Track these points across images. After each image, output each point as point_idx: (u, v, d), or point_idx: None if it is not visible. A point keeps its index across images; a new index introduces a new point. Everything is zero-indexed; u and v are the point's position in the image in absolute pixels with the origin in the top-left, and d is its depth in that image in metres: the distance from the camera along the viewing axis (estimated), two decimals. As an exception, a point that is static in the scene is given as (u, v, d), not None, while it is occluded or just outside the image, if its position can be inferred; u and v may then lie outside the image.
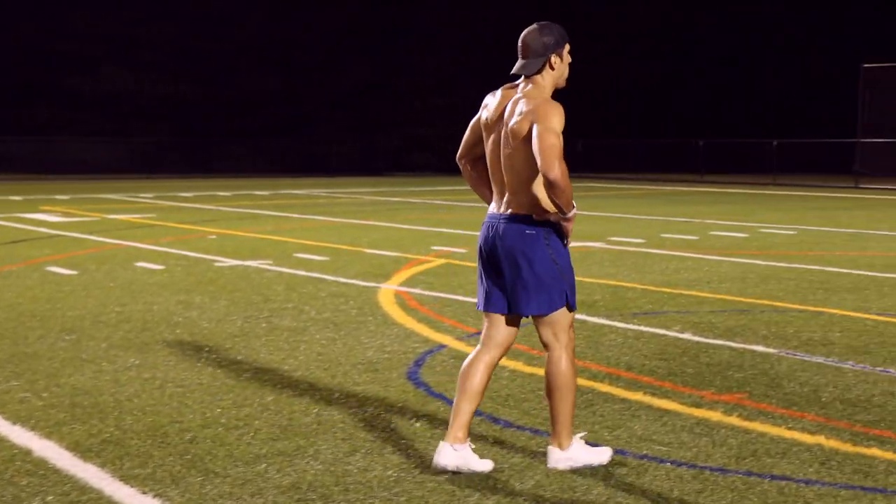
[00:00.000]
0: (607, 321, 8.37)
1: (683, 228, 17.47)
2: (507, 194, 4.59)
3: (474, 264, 12.40)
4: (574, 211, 4.45)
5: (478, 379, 4.64)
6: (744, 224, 18.36)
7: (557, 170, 4.27)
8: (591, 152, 42.69)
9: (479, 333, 7.76)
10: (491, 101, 4.67)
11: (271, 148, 46.93)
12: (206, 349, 7.25)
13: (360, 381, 6.33)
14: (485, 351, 4.69)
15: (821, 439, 5.09)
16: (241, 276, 11.03)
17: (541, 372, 6.46)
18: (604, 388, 6.15)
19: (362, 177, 42.07)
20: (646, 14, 51.40)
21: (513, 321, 4.71)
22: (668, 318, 8.50)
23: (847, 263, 12.32)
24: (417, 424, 5.38)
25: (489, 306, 4.67)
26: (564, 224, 4.52)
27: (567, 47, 4.58)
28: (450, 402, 5.72)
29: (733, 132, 43.43)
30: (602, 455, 4.67)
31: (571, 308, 4.62)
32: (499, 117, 4.58)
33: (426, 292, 9.93)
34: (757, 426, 5.32)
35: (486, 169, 4.76)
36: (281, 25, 49.80)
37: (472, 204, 24.52)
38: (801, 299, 9.51)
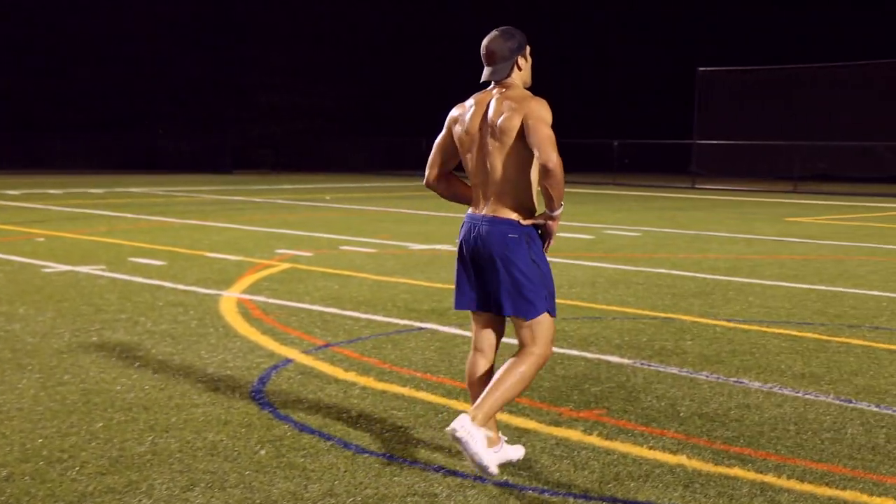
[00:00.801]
0: (459, 331, 8.13)
1: (530, 230, 17.41)
2: (490, 196, 4.61)
3: (320, 268, 12.24)
4: (561, 209, 4.52)
5: (485, 381, 4.72)
6: (588, 225, 18.46)
7: (555, 159, 4.35)
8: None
9: (326, 346, 7.43)
10: (463, 112, 4.70)
11: (107, 143, 45.30)
12: (29, 368, 6.68)
13: (200, 402, 5.90)
14: (480, 355, 4.80)
15: (683, 459, 4.92)
16: (71, 284, 10.37)
17: (394, 388, 6.18)
18: (461, 405, 5.87)
19: (203, 174, 41.01)
20: (484, 13, 51.66)
21: (499, 320, 4.78)
22: (520, 327, 8.30)
23: (692, 266, 12.41)
24: (262, 452, 5.00)
25: (471, 306, 4.73)
26: (550, 224, 4.59)
27: (528, 48, 4.70)
28: (297, 425, 5.37)
29: (573, 132, 44.08)
30: (488, 462, 4.34)
31: (551, 314, 4.62)
32: (480, 121, 4.61)
33: (271, 300, 9.50)
34: (618, 446, 5.12)
35: (457, 179, 4.88)
36: (116, 16, 48.14)
37: (316, 204, 24.07)
38: (651, 305, 9.47)
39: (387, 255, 13.52)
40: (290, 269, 11.79)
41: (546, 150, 4.36)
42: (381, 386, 6.31)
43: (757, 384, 6.41)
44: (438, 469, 4.74)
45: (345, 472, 4.70)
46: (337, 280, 10.92)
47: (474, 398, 4.76)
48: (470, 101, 4.73)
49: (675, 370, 6.78)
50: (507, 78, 4.65)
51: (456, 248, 4.84)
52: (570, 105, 50.60)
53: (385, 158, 46.44)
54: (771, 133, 34.91)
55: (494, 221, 4.58)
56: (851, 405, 5.92)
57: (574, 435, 5.30)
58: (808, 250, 14.57)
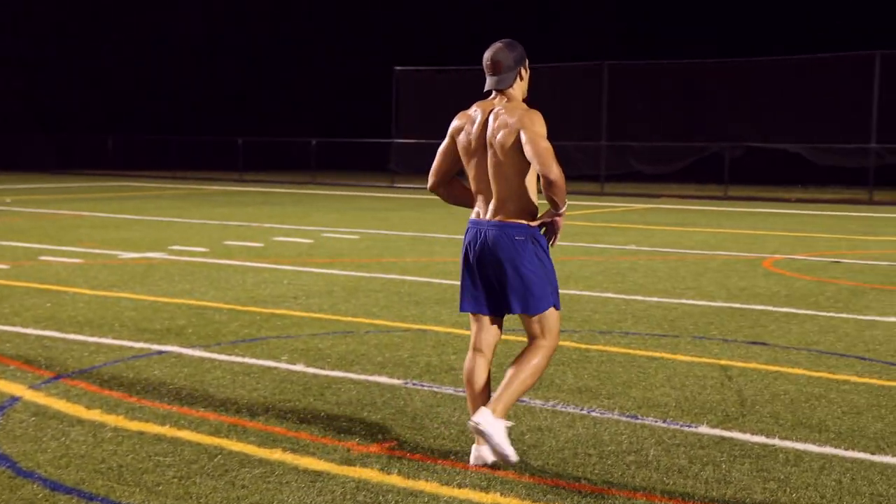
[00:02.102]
0: (206, 353, 7.42)
1: (245, 234, 16.70)
2: (494, 202, 4.86)
3: (22, 283, 11.04)
4: (566, 206, 4.81)
5: (483, 379, 4.98)
6: (304, 228, 17.94)
7: (556, 170, 4.64)
8: (124, 148, 40.77)
9: (57, 378, 6.55)
10: (466, 122, 4.95)
11: None
12: None
13: (-81, 459, 4.94)
14: (479, 355, 5.01)
15: (496, 498, 4.54)
16: None
17: (153, 428, 5.45)
18: (233, 445, 5.23)
19: None
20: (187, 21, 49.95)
21: (497, 321, 5.04)
22: (271, 346, 7.70)
23: (424, 271, 12.17)
24: (13, 522, 4.19)
25: (478, 308, 4.97)
26: (557, 219, 4.86)
27: (527, 61, 4.99)
28: (48, 483, 4.59)
29: (272, 131, 43.33)
30: (509, 452, 4.72)
31: (557, 308, 4.95)
32: (481, 133, 4.87)
33: (-23, 324, 8.39)
34: (424, 485, 4.67)
35: (459, 183, 5.15)
36: None
37: (21, 209, 22.18)
38: (398, 315, 9.10)
39: (96, 265, 12.46)
40: (-8, 286, 10.56)
41: (546, 163, 4.63)
42: (135, 426, 5.56)
43: (539, 402, 6.15)
44: (235, 530, 4.12)
45: (123, 542, 3.99)
46: (47, 296, 9.86)
47: (472, 397, 4.99)
48: (474, 110, 4.95)
49: (450, 390, 6.42)
50: (510, 88, 4.92)
51: (462, 255, 5.02)
52: (269, 104, 49.78)
53: (62, 157, 43.81)
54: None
55: (501, 226, 4.83)
56: (639, 421, 5.76)
57: (373, 475, 4.80)
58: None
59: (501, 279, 4.85)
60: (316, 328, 8.44)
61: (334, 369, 6.95)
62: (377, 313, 9.20)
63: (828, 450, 5.25)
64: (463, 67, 36.92)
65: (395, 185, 34.97)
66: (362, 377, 6.74)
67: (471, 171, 4.98)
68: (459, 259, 5.06)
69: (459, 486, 4.67)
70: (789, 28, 39.43)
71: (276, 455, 5.07)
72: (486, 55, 4.92)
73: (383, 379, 6.70)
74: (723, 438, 5.44)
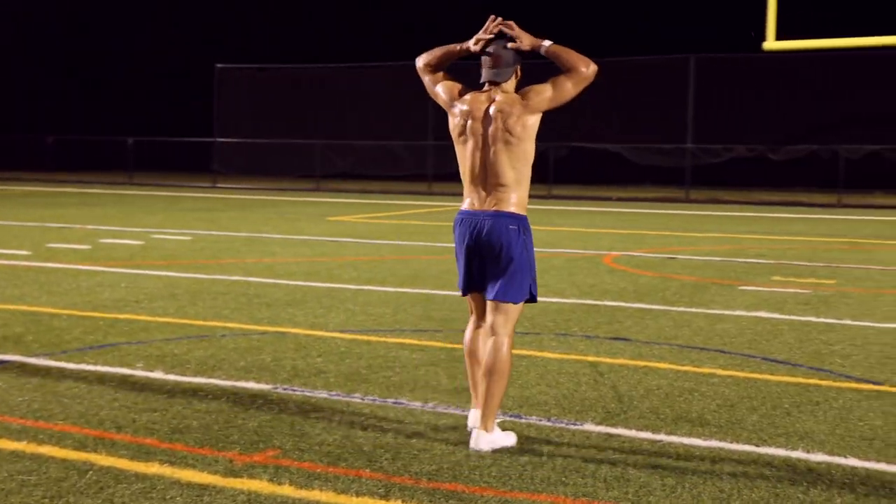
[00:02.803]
0: (52, 362, 6.95)
1: (68, 236, 15.91)
2: (489, 193, 5.06)
3: None
4: (549, 44, 5.05)
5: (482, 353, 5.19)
6: (131, 230, 17.24)
7: (593, 65, 5.07)
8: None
9: None
10: (472, 104, 5.08)
11: None
12: None
13: None
14: (481, 329, 5.24)
15: (397, 504, 4.35)
16: None
17: (9, 445, 5.02)
18: (103, 459, 4.86)
19: None
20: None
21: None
22: (123, 353, 7.27)
23: (267, 272, 11.83)
24: None
25: (476, 289, 5.22)
26: (525, 36, 5.08)
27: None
28: None
29: (90, 129, 41.73)
30: (510, 438, 5.11)
31: (534, 299, 5.20)
32: (483, 124, 5.03)
33: None
34: (320, 495, 4.43)
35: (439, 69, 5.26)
36: None
37: None
38: (251, 317, 8.77)
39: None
40: None
41: (583, 59, 5.05)
42: (-10, 442, 5.11)
43: (418, 404, 5.98)
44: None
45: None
46: None
47: (472, 365, 5.29)
48: (471, 97, 5.09)
49: (324, 394, 6.17)
50: (506, 82, 5.07)
51: (458, 244, 5.22)
52: (82, 101, 47.90)
53: None
54: (293, 131, 35.13)
55: (497, 215, 5.04)
56: (524, 421, 5.66)
57: (263, 486, 4.53)
58: (370, 251, 14.51)
59: (493, 265, 5.07)
60: (167, 333, 8.03)
61: (196, 375, 6.60)
62: (229, 316, 8.84)
63: (714, 443, 5.26)
64: (286, 66, 36.45)
65: (218, 185, 34.17)
66: (228, 383, 6.42)
67: (466, 159, 5.11)
68: (456, 247, 5.27)
69: (357, 494, 4.45)
70: (607, 31, 40.47)
71: (154, 469, 4.73)
72: (489, 49, 5.07)
73: (251, 384, 6.39)
74: (610, 435, 5.39)
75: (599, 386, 6.47)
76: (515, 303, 5.07)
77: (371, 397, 6.11)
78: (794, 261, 13.59)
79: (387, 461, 4.90)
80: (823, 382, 6.62)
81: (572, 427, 5.53)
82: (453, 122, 5.14)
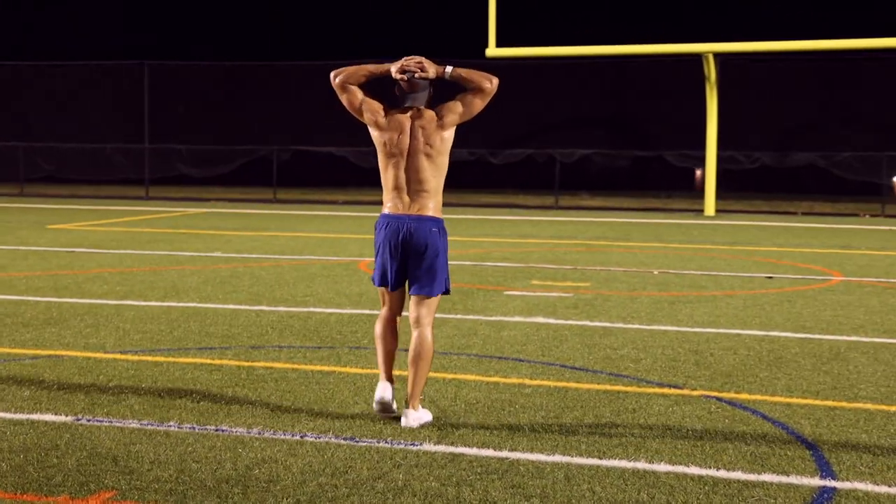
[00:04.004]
0: None
1: None
2: (412, 199, 5.79)
3: None
4: (451, 70, 5.80)
5: (393, 340, 6.00)
6: None
7: (495, 79, 5.85)
8: None
9: None
10: (393, 122, 5.82)
11: None
12: None
13: None
14: (390, 317, 5.99)
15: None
16: None
17: None
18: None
19: None
20: None
21: (402, 293, 5.97)
22: None
23: (7, 287, 10.96)
24: None
25: (395, 286, 5.90)
26: (427, 64, 5.79)
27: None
28: None
29: None
30: (429, 415, 5.86)
31: (448, 292, 5.97)
32: (408, 140, 5.78)
33: None
34: (183, 542, 4.06)
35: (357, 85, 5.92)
36: None
37: None
38: (12, 340, 8.06)
39: None
40: None
41: (485, 75, 5.82)
42: None
43: (242, 429, 5.64)
44: None
45: None
46: None
47: (385, 354, 5.96)
48: (395, 117, 5.82)
49: (135, 423, 5.71)
50: (423, 103, 5.85)
51: (381, 244, 5.85)
52: None
53: None
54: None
55: (420, 219, 5.78)
56: (361, 444, 5.45)
57: (115, 536, 4.10)
58: (111, 262, 13.71)
59: (417, 263, 5.76)
60: (-76, 360, 7.23)
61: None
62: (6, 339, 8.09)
63: (559, 458, 5.24)
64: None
65: None
66: (20, 416, 5.83)
67: (390, 170, 5.80)
68: (377, 245, 5.87)
69: (222, 537, 4.12)
70: (342, 34, 40.44)
71: (-20, 524, 4.19)
72: (407, 77, 5.78)
73: (48, 416, 5.84)
74: (454, 455, 5.27)
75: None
76: (435, 296, 5.81)
77: (189, 425, 5.71)
78: (541, 264, 14.00)
79: (238, 496, 4.57)
80: (629, 388, 6.79)
81: (412, 447, 5.38)
82: (380, 137, 5.83)
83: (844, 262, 14.85)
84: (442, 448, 5.37)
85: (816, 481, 4.91)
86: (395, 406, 5.89)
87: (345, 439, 5.50)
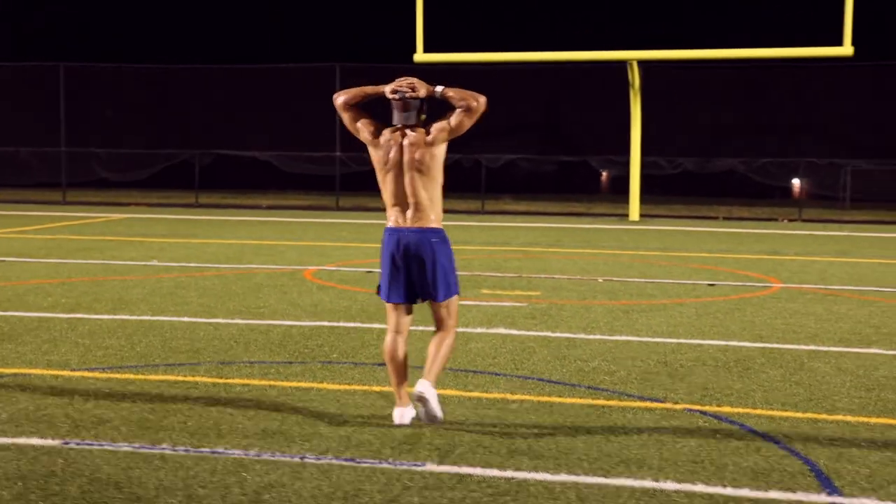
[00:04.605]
0: None
1: None
2: (411, 212, 6.06)
3: None
4: (441, 89, 6.09)
5: (404, 354, 6.17)
6: None
7: (482, 97, 6.10)
8: None
9: None
10: (390, 141, 6.11)
11: None
12: None
13: None
14: (400, 336, 6.17)
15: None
16: None
17: None
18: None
19: None
20: None
21: (410, 309, 6.22)
22: None
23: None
24: None
25: (400, 298, 6.12)
26: (419, 85, 6.11)
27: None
28: None
29: None
30: (440, 414, 6.08)
31: (458, 294, 6.20)
32: (400, 156, 6.05)
33: None
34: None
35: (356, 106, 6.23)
36: None
37: None
38: (-26, 358, 7.81)
39: None
40: None
41: (473, 94, 6.08)
42: None
43: (238, 452, 5.54)
44: None
45: None
46: None
47: (396, 370, 6.14)
48: (388, 135, 6.11)
49: (126, 447, 5.58)
50: (415, 122, 6.12)
51: (385, 256, 6.12)
52: None
53: None
54: None
55: (421, 231, 6.05)
56: (360, 464, 5.40)
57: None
58: (48, 271, 13.37)
59: (422, 274, 6.03)
60: None
61: (-39, 434, 5.75)
62: (-57, 357, 7.82)
63: (566, 477, 5.23)
64: None
65: None
66: (4, 440, 5.66)
67: (388, 186, 6.10)
68: (382, 259, 6.13)
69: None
70: (250, 37, 40.02)
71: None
72: (397, 97, 6.08)
73: (35, 440, 5.67)
74: (461, 476, 5.23)
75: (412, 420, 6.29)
76: (446, 299, 6.10)
77: (182, 447, 5.60)
78: (485, 272, 14.02)
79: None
80: (612, 403, 6.83)
81: (417, 468, 5.33)
82: (377, 155, 6.13)
83: (777, 267, 15.17)
84: (446, 468, 5.34)
85: (824, 498, 4.99)
86: (439, 412, 6.04)
87: (346, 460, 5.44)
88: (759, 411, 6.63)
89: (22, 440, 5.68)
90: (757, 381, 7.49)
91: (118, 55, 34.47)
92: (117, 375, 7.33)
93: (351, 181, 29.90)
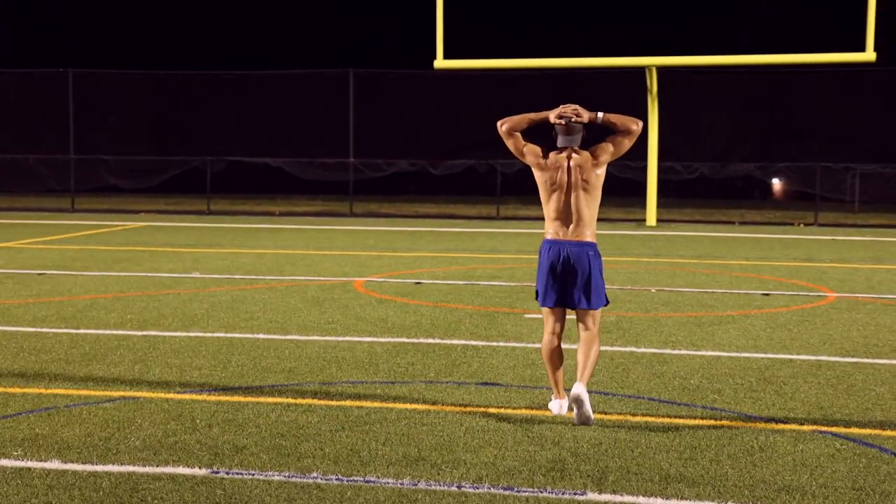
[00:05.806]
0: None
1: None
2: (573, 227, 6.63)
3: None
4: (602, 115, 6.68)
5: (561, 354, 6.81)
6: None
7: (640, 122, 6.73)
8: None
9: None
10: (557, 163, 6.68)
11: None
12: None
13: None
14: (556, 337, 6.79)
15: None
16: None
17: None
18: None
19: None
20: None
21: (564, 314, 6.79)
22: (-26, 439, 6.09)
23: (2, 317, 10.46)
24: None
25: (557, 303, 6.70)
26: (583, 111, 6.64)
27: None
28: None
29: None
30: (591, 414, 6.50)
31: (607, 303, 6.78)
32: (567, 175, 6.62)
33: None
34: None
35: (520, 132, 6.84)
36: None
37: None
38: (70, 379, 7.70)
39: None
40: None
41: (631, 119, 6.70)
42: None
43: (389, 481, 5.45)
44: None
45: None
46: None
47: (553, 367, 6.78)
48: (554, 157, 6.69)
49: (278, 476, 5.48)
50: (578, 145, 6.70)
51: (545, 265, 6.68)
52: None
53: None
54: None
55: (580, 244, 6.63)
56: (512, 493, 5.32)
57: None
58: (96, 285, 13.23)
59: (578, 282, 6.61)
60: (-7, 407, 6.84)
61: (98, 462, 5.63)
62: (40, 378, 7.70)
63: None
64: None
65: None
66: (153, 469, 5.55)
67: (552, 203, 6.67)
68: (541, 267, 6.69)
69: None
70: (259, 44, 39.84)
71: None
72: (564, 122, 6.63)
73: (182, 469, 5.56)
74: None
75: (538, 443, 6.21)
76: (596, 308, 6.66)
77: (334, 476, 5.49)
78: (533, 282, 13.92)
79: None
80: (736, 424, 6.75)
81: (578, 497, 5.25)
82: (543, 176, 6.68)
83: (822, 276, 15.15)
84: (609, 497, 5.27)
85: None
86: (591, 414, 6.44)
87: (504, 489, 5.36)
88: (889, 433, 6.56)
89: (169, 469, 5.57)
90: (869, 399, 7.43)
91: (127, 61, 34.20)
92: (226, 398, 7.22)
93: (363, 187, 29.80)
